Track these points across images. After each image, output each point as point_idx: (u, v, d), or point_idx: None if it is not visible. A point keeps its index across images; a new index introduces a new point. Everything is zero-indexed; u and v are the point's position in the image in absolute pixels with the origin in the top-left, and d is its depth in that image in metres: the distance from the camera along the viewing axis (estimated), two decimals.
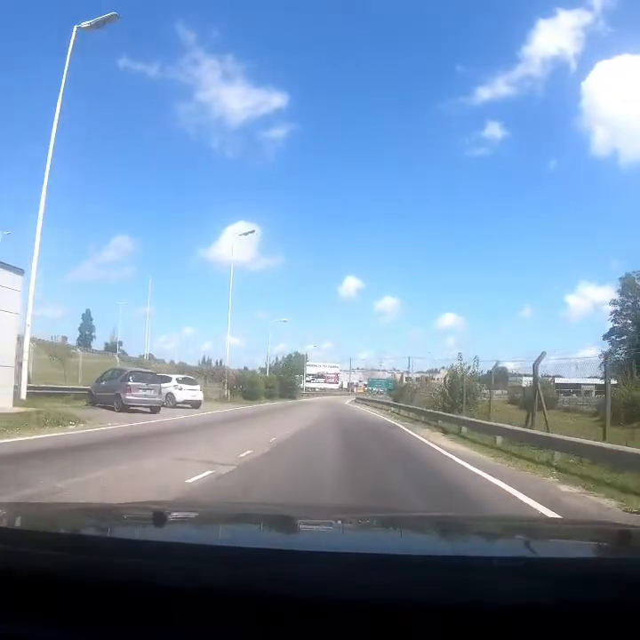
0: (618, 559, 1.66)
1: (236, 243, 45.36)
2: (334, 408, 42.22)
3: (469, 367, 27.67)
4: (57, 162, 21.16)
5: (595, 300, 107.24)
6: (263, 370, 64.28)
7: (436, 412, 26.63)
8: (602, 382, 17.59)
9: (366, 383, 76.06)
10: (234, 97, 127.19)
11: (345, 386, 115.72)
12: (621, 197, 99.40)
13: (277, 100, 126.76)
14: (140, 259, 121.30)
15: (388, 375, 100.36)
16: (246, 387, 44.92)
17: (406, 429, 23.46)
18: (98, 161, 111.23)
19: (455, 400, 27.65)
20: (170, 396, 30.28)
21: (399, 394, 59.60)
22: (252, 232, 46.91)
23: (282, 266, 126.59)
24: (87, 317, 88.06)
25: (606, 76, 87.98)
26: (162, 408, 27.41)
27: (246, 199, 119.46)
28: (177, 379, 31.18)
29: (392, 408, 41.64)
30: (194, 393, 30.78)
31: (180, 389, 30.34)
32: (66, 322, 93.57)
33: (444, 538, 2.26)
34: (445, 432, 22.17)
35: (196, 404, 30.53)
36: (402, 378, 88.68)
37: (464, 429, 21.38)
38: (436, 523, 2.63)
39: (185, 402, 30.06)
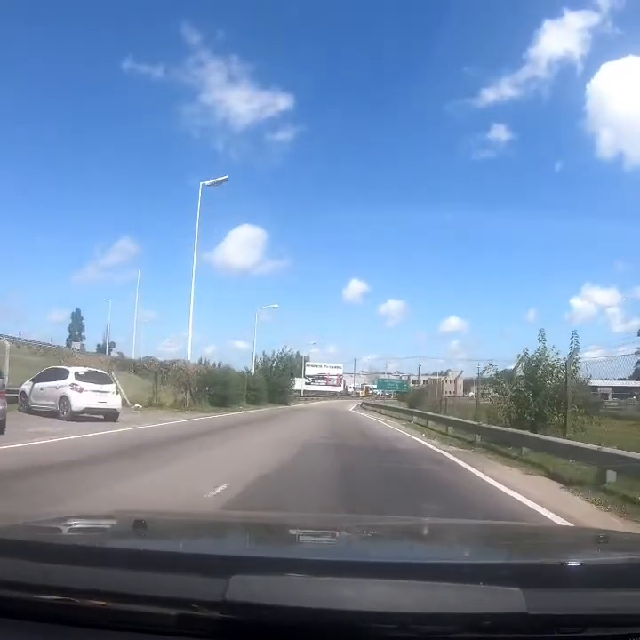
0: (597, 564, 1.63)
1: (206, 193, 33.97)
2: (335, 419, 30.40)
3: (572, 351, 15.78)
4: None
5: (599, 302, 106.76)
6: (258, 369, 52.35)
7: (516, 431, 14.70)
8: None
9: (375, 385, 63.02)
10: (239, 99, 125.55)
11: (349, 389, 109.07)
12: (626, 200, 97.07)
13: (283, 102, 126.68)
14: (142, 262, 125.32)
15: (393, 378, 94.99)
16: (216, 388, 33.20)
17: (477, 472, 11.63)
18: (100, 162, 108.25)
19: (543, 410, 15.89)
20: (64, 400, 18.65)
21: (415, 398, 47.80)
22: (224, 180, 35.41)
23: (286, 269, 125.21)
24: (77, 317, 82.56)
25: (612, 78, 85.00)
26: (56, 419, 17.30)
27: (251, 202, 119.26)
28: (77, 374, 19.40)
29: (415, 417, 29.76)
30: (104, 396, 19.05)
31: (81, 391, 18.60)
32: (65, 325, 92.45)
33: (423, 544, 2.30)
34: (564, 482, 10.45)
35: (109, 414, 18.96)
36: (408, 379, 78.23)
37: (610, 475, 9.70)
38: (422, 529, 2.64)
39: (89, 410, 18.41)
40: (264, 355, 53.94)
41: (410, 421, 29.66)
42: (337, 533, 2.42)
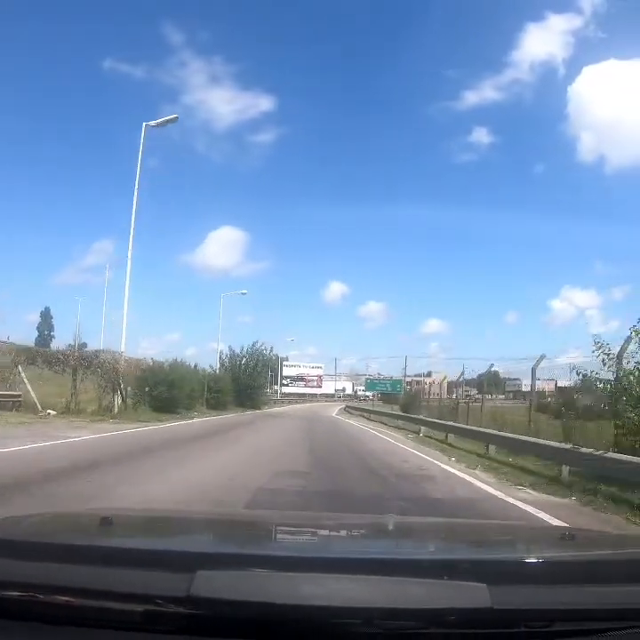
0: (562, 560, 1.62)
1: (151, 138, 26.27)
2: (315, 430, 22.64)
3: None
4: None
5: (578, 304, 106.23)
6: (224, 367, 43.99)
7: None
8: None
9: (363, 387, 54.54)
10: (221, 100, 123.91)
11: (332, 391, 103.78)
12: (607, 203, 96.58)
13: (265, 103, 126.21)
14: (122, 263, 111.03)
15: (382, 378, 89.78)
16: (160, 389, 25.23)
17: None
18: (79, 162, 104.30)
19: None
20: None
21: (410, 401, 40.16)
22: (173, 120, 27.52)
23: (266, 271, 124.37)
24: (46, 316, 78.13)
25: (593, 81, 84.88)
26: None
27: (232, 204, 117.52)
28: None
29: (424, 427, 22.12)
30: None
31: None
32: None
33: (389, 540, 2.24)
34: None
35: None
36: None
37: None
38: (388, 526, 2.45)
39: None
40: (231, 350, 45.68)
41: (417, 433, 22.04)
42: (303, 530, 2.37)
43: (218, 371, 41.87)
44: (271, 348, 46.59)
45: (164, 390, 25.31)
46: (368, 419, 35.50)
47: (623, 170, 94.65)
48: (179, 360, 30.26)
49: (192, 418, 26.09)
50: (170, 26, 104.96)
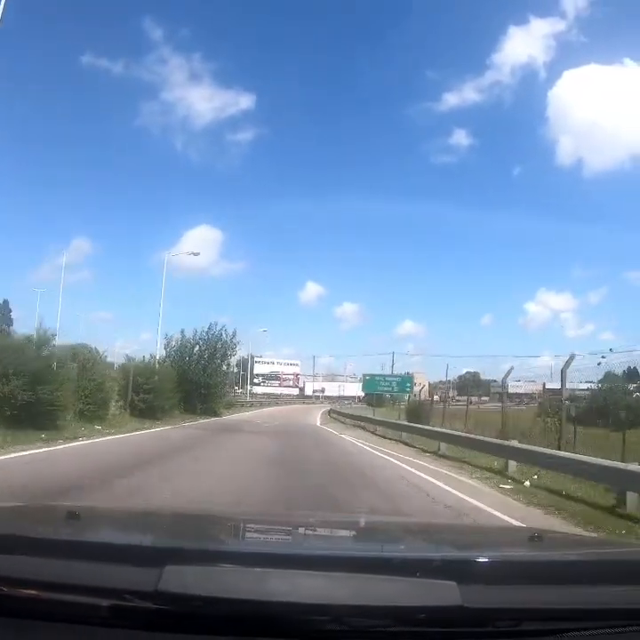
0: (531, 560, 1.62)
1: None
2: (304, 468, 11.43)
3: None
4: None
5: (554, 307, 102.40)
6: (171, 359, 32.05)
7: None
8: None
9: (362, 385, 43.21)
10: (200, 98, 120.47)
11: (310, 392, 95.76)
12: (585, 206, 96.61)
13: (245, 101, 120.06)
14: (98, 262, 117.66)
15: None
16: (14, 386, 13.73)
17: None
18: (56, 160, 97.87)
19: None
20: None
21: (422, 408, 29.07)
22: None
23: (243, 271, 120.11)
24: (4, 309, 72.38)
25: (573, 86, 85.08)
26: None
27: (209, 203, 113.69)
28: None
29: (513, 461, 10.98)
30: None
31: None
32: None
33: (360, 538, 2.27)
34: None
35: None
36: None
37: None
38: (359, 524, 2.61)
39: None
40: (183, 334, 33.32)
41: (501, 474, 10.93)
42: (274, 527, 2.34)
43: (158, 361, 29.96)
44: (234, 331, 34.56)
45: (25, 389, 13.65)
46: (373, 433, 24.22)
47: (601, 174, 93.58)
48: (50, 335, 17.47)
49: (66, 440, 14.23)
50: (149, 22, 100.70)
